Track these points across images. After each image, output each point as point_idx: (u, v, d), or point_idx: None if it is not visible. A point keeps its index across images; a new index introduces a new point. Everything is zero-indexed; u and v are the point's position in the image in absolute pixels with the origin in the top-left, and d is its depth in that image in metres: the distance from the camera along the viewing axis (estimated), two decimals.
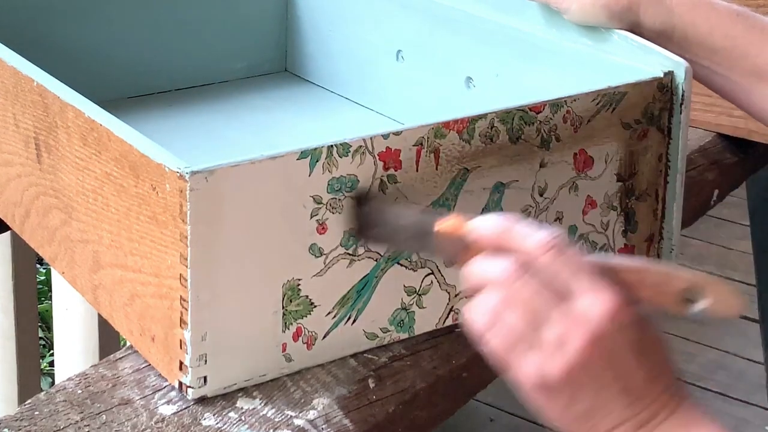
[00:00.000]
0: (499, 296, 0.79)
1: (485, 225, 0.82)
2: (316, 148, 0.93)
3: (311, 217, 0.94)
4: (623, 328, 0.77)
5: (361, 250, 0.97)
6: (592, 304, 0.77)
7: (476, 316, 0.80)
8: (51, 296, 2.39)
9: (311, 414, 0.94)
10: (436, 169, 0.99)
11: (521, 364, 0.79)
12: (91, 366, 0.99)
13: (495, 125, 1.01)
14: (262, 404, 0.94)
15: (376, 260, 0.98)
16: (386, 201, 0.95)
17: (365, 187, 0.95)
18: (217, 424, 0.92)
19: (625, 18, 1.13)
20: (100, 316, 1.25)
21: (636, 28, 1.13)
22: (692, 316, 0.80)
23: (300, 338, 0.97)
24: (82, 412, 0.92)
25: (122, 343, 1.86)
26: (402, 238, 0.92)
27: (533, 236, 0.79)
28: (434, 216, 0.87)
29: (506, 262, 0.79)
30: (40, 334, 2.53)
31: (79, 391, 0.95)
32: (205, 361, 0.93)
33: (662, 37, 1.13)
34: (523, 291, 0.78)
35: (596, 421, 0.79)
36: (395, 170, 0.97)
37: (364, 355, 1.01)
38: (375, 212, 0.94)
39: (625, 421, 0.78)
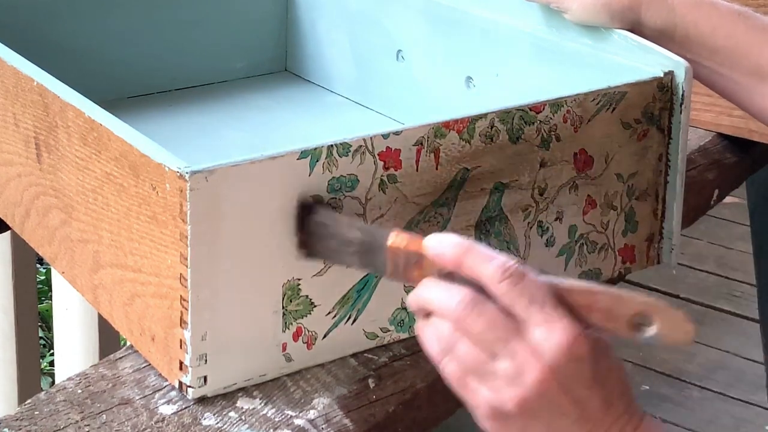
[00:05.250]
0: (452, 325, 0.78)
1: (443, 244, 0.81)
2: (316, 148, 0.93)
3: None
4: (578, 359, 0.77)
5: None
6: (548, 336, 0.76)
7: (430, 342, 0.80)
8: (51, 296, 2.39)
9: (311, 414, 0.94)
10: (436, 169, 0.99)
11: (475, 393, 0.79)
12: (91, 366, 0.99)
13: (495, 125, 1.01)
14: (262, 404, 0.94)
15: None
16: (332, 212, 0.93)
17: (311, 196, 0.93)
18: (217, 423, 0.92)
19: (627, 17, 1.13)
20: (100, 316, 1.25)
21: (637, 28, 1.14)
22: (643, 341, 0.79)
23: (300, 338, 0.97)
24: (82, 412, 0.92)
25: (122, 342, 1.86)
26: (348, 252, 0.89)
27: (491, 262, 0.78)
28: (385, 231, 0.85)
29: (461, 292, 0.78)
30: (40, 334, 2.53)
31: (79, 391, 0.95)
32: (205, 360, 0.93)
33: (664, 37, 1.13)
34: (477, 322, 0.78)
35: None
36: (395, 170, 0.97)
37: (364, 354, 1.01)
38: (321, 223, 0.92)
39: None
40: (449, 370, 0.80)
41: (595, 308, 0.79)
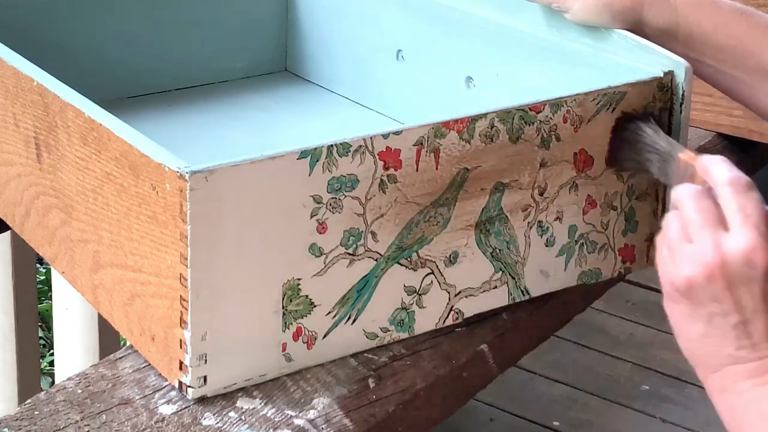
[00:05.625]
0: (676, 210, 0.89)
1: (706, 159, 0.92)
2: (316, 148, 0.93)
3: (311, 217, 0.94)
4: (752, 266, 0.83)
5: (361, 250, 0.97)
6: (737, 236, 0.84)
7: (668, 218, 0.90)
8: (51, 296, 2.39)
9: (311, 414, 0.94)
10: (436, 169, 0.99)
11: (663, 267, 0.88)
12: (91, 366, 0.99)
13: (495, 125, 1.01)
14: (262, 404, 0.94)
15: (376, 260, 0.98)
16: (646, 126, 1.06)
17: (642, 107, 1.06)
18: (217, 423, 0.92)
19: (628, 17, 1.13)
20: (100, 316, 1.26)
21: (639, 28, 1.13)
22: None
23: (300, 338, 0.97)
24: (82, 412, 0.92)
25: (122, 342, 1.86)
26: (652, 160, 1.03)
27: (724, 172, 0.88)
28: (678, 147, 1.00)
29: (695, 187, 0.89)
30: (40, 334, 2.53)
31: (79, 391, 0.95)
32: (205, 360, 0.93)
33: (666, 36, 1.13)
34: (691, 208, 0.87)
35: (709, 349, 0.85)
36: (395, 170, 0.97)
37: (364, 354, 1.01)
38: (635, 133, 1.05)
39: (736, 362, 0.83)
40: (659, 245, 0.90)
41: None
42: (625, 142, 1.07)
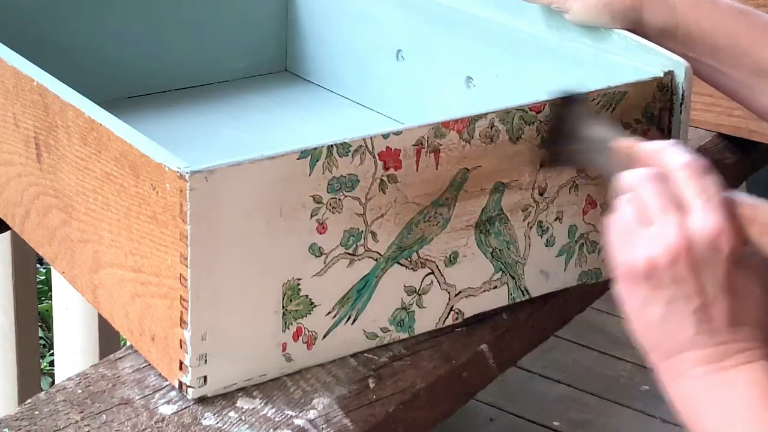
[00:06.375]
0: (630, 193, 0.86)
1: (650, 145, 0.90)
2: (316, 148, 0.93)
3: (311, 217, 0.94)
4: (717, 251, 0.81)
5: (361, 250, 0.97)
6: (701, 219, 0.82)
7: (616, 209, 0.87)
8: (51, 296, 2.39)
9: (311, 414, 0.94)
10: (436, 169, 0.99)
11: (622, 249, 0.84)
12: (91, 366, 0.99)
13: (495, 125, 1.01)
14: (262, 404, 0.94)
15: (376, 260, 0.98)
16: (583, 111, 1.02)
17: (573, 91, 1.02)
18: (217, 423, 0.92)
19: (628, 17, 1.13)
20: (100, 316, 1.26)
21: (638, 27, 1.13)
22: None
23: (300, 338, 0.97)
24: (82, 412, 0.92)
25: (122, 342, 1.86)
26: (583, 152, 1.00)
27: (679, 156, 0.86)
28: (614, 133, 0.96)
29: (650, 170, 0.86)
30: (40, 334, 2.53)
31: (79, 391, 0.95)
32: (205, 360, 0.93)
33: (665, 36, 1.13)
34: (649, 191, 0.84)
35: (666, 334, 0.82)
36: (395, 170, 0.97)
37: (364, 354, 1.01)
38: (570, 120, 1.01)
39: (693, 347, 0.81)
40: (610, 231, 0.86)
41: (757, 221, 0.83)
42: (557, 133, 1.03)
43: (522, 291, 1.08)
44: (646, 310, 0.83)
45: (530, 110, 1.03)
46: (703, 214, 0.82)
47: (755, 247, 0.82)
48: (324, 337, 0.98)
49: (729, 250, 0.81)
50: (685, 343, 0.82)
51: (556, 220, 1.08)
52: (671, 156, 0.86)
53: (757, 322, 0.82)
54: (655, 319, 0.83)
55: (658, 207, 0.83)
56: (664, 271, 0.82)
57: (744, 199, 0.84)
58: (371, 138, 0.96)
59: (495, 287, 1.06)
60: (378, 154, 0.96)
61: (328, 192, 0.94)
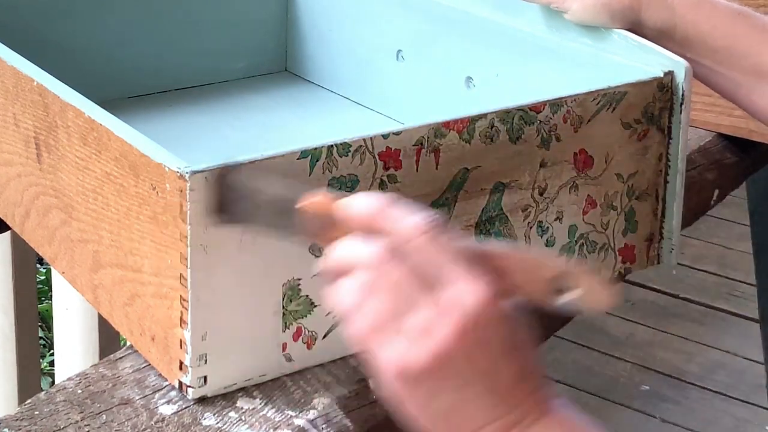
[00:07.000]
0: (366, 279, 0.74)
1: (357, 204, 0.78)
2: (316, 148, 0.93)
3: None
4: (492, 322, 0.73)
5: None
6: (463, 293, 0.73)
7: (341, 297, 0.75)
8: (51, 296, 2.39)
9: (311, 414, 0.94)
10: (436, 169, 0.99)
11: (383, 350, 0.74)
12: (91, 366, 0.99)
13: (495, 125, 1.01)
14: (263, 404, 0.94)
15: None
16: (252, 176, 0.85)
17: (231, 162, 0.89)
18: (217, 423, 0.92)
19: (627, 17, 1.13)
20: (100, 316, 1.25)
21: (637, 28, 1.14)
22: (561, 306, 0.76)
23: (300, 338, 0.97)
24: (82, 412, 0.92)
25: (122, 342, 1.86)
26: (262, 215, 0.83)
27: (407, 219, 0.75)
28: (299, 191, 0.80)
29: (376, 245, 0.75)
30: (40, 334, 2.53)
31: (79, 391, 0.95)
32: (205, 360, 0.93)
33: (663, 37, 1.13)
34: (391, 275, 0.74)
35: (458, 421, 0.75)
36: (395, 170, 0.97)
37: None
38: (236, 187, 0.85)
39: (491, 422, 0.74)
40: (359, 326, 0.75)
41: (516, 271, 0.76)
42: (229, 188, 0.85)
43: None
44: (432, 405, 0.74)
45: (530, 110, 1.03)
46: (463, 286, 0.73)
47: (518, 296, 0.76)
48: (324, 337, 0.98)
49: (502, 313, 0.73)
50: (484, 420, 0.74)
51: (556, 220, 1.08)
52: (396, 220, 0.75)
53: (537, 368, 0.76)
54: (444, 410, 0.74)
55: (412, 291, 0.73)
56: (446, 363, 0.73)
57: (491, 246, 0.77)
58: (371, 138, 0.96)
59: None
60: (378, 154, 0.96)
61: (328, 192, 0.94)
